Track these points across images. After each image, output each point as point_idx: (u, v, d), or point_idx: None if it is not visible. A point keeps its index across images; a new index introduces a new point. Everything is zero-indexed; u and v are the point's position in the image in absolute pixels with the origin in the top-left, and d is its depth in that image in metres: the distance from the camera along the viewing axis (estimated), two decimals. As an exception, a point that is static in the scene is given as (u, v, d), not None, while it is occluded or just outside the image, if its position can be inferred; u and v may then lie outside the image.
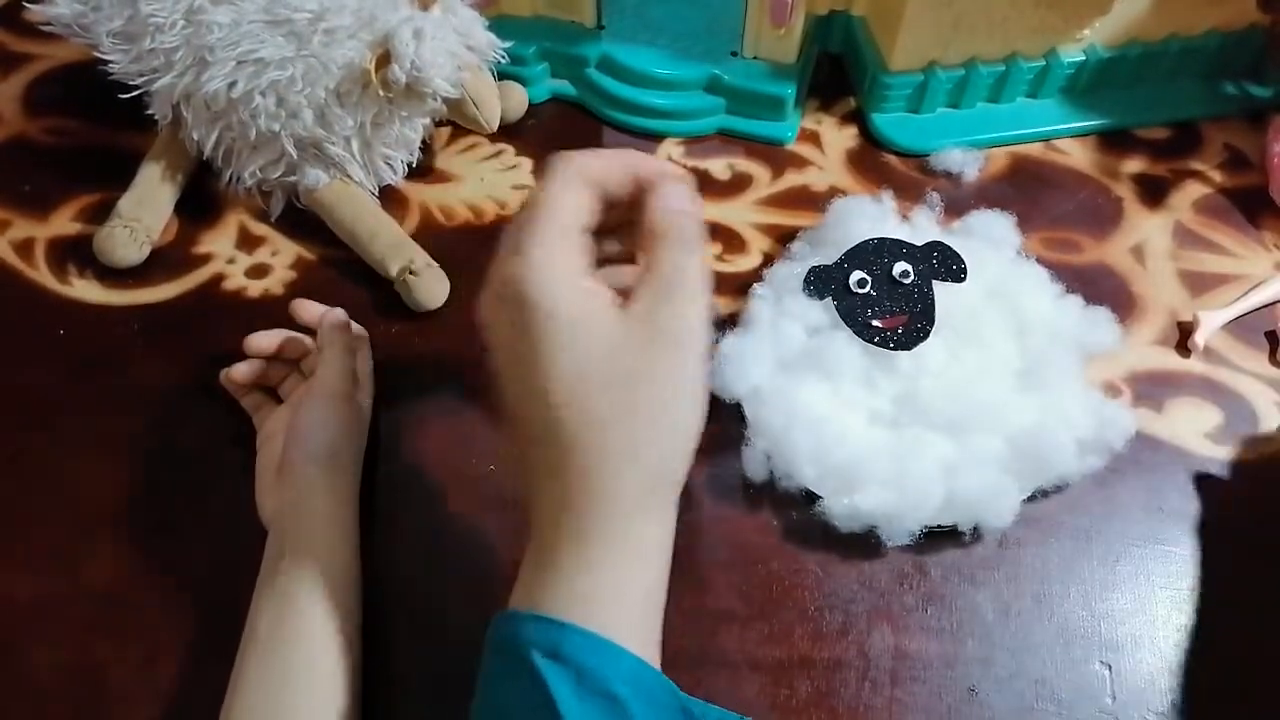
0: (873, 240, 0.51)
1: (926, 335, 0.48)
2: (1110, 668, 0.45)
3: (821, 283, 0.50)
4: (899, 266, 0.49)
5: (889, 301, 0.49)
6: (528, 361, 0.33)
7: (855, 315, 0.49)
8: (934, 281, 0.50)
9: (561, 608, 0.33)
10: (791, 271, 0.52)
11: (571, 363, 0.32)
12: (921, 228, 0.55)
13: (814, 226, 0.57)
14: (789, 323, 0.50)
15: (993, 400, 0.48)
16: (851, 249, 0.51)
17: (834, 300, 0.50)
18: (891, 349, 0.48)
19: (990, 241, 0.54)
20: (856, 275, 0.50)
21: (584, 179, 0.35)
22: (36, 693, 0.44)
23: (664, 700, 0.33)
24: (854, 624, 0.46)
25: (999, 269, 0.53)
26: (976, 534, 0.47)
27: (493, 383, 0.36)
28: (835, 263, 0.51)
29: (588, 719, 0.31)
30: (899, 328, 0.48)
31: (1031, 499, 0.48)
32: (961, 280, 0.50)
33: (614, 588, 0.33)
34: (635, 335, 0.33)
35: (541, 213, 0.34)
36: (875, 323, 0.49)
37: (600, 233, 0.37)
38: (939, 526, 0.46)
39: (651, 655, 0.34)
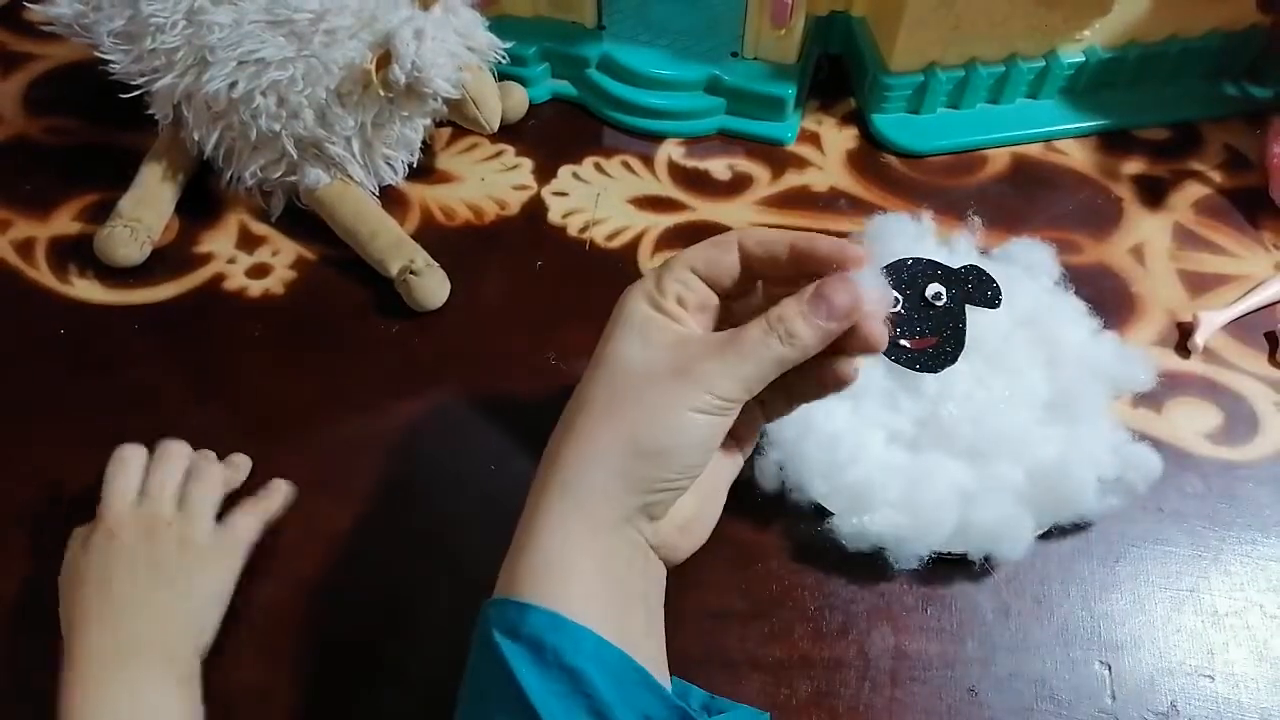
0: (908, 259, 0.50)
1: (954, 359, 0.47)
2: (1110, 668, 0.45)
3: None
4: (932, 288, 0.49)
5: (919, 322, 0.48)
6: (595, 356, 0.37)
7: None
8: (967, 306, 0.49)
9: (520, 586, 0.34)
10: None
11: (615, 353, 0.36)
12: (959, 250, 0.54)
13: (850, 240, 0.56)
14: None
15: (1016, 431, 0.47)
16: (885, 267, 0.50)
17: None
18: (917, 370, 0.48)
19: (1028, 269, 0.53)
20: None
21: (739, 238, 0.38)
22: (33, 691, 0.44)
23: (630, 676, 0.33)
24: (854, 624, 0.46)
25: (1035, 298, 0.52)
26: (987, 564, 0.47)
27: None
28: None
29: (549, 691, 0.32)
30: (927, 350, 0.48)
31: (1047, 534, 0.48)
32: (995, 306, 0.49)
33: (576, 565, 0.34)
34: (671, 357, 0.35)
35: (686, 252, 0.38)
36: (903, 342, 0.48)
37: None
38: (949, 554, 0.46)
39: (630, 646, 0.34)
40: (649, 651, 0.35)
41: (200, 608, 0.44)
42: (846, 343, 0.37)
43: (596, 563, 0.35)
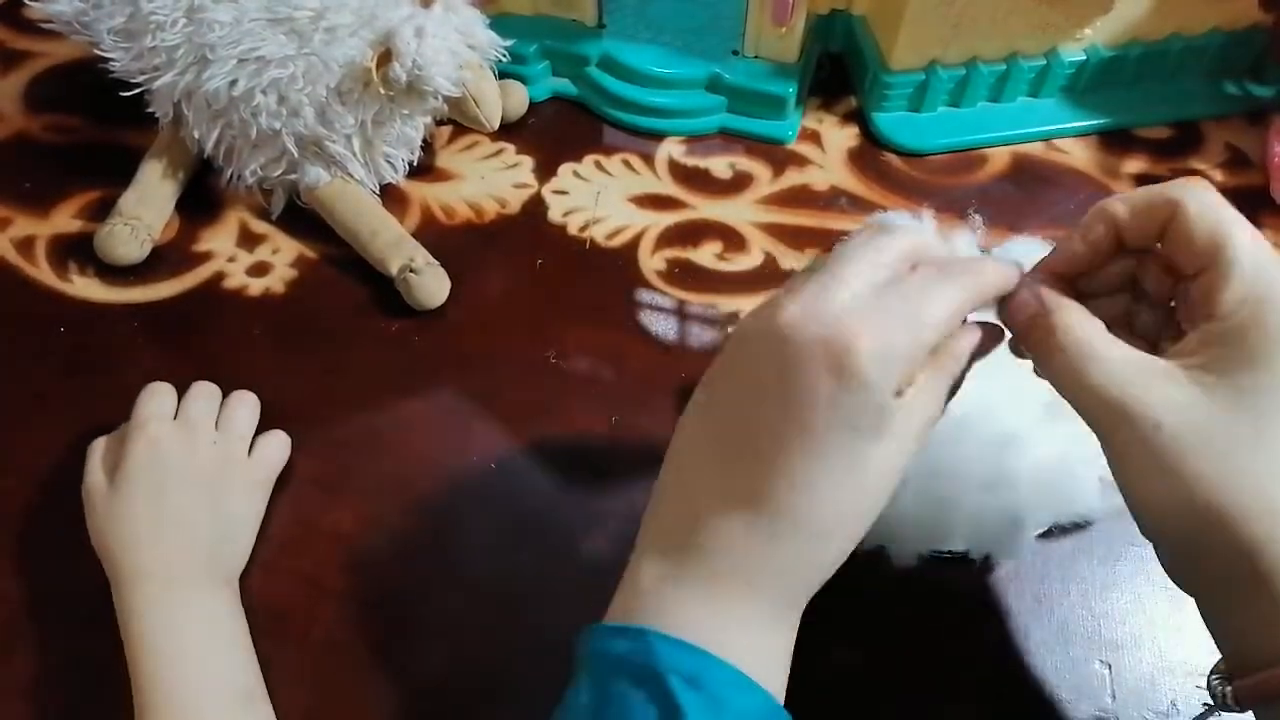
0: None
1: None
2: (1110, 667, 0.45)
3: None
4: None
5: None
6: (815, 432, 0.31)
7: None
8: None
9: (708, 638, 0.31)
10: None
11: (852, 462, 0.32)
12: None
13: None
14: None
15: (1016, 430, 0.47)
16: None
17: None
18: None
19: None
20: None
21: (971, 308, 0.34)
22: (31, 690, 0.44)
23: None
24: (854, 623, 0.46)
25: None
26: (987, 563, 0.47)
27: (728, 376, 0.34)
28: None
29: None
30: None
31: (1047, 534, 0.48)
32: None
33: (770, 647, 0.33)
34: (887, 452, 0.32)
35: (930, 324, 0.32)
36: None
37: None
38: (949, 553, 0.46)
39: None
40: None
41: (239, 528, 0.47)
42: None
43: (789, 641, 0.34)
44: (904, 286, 0.32)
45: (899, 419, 0.32)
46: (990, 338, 0.36)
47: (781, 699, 0.33)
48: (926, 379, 0.33)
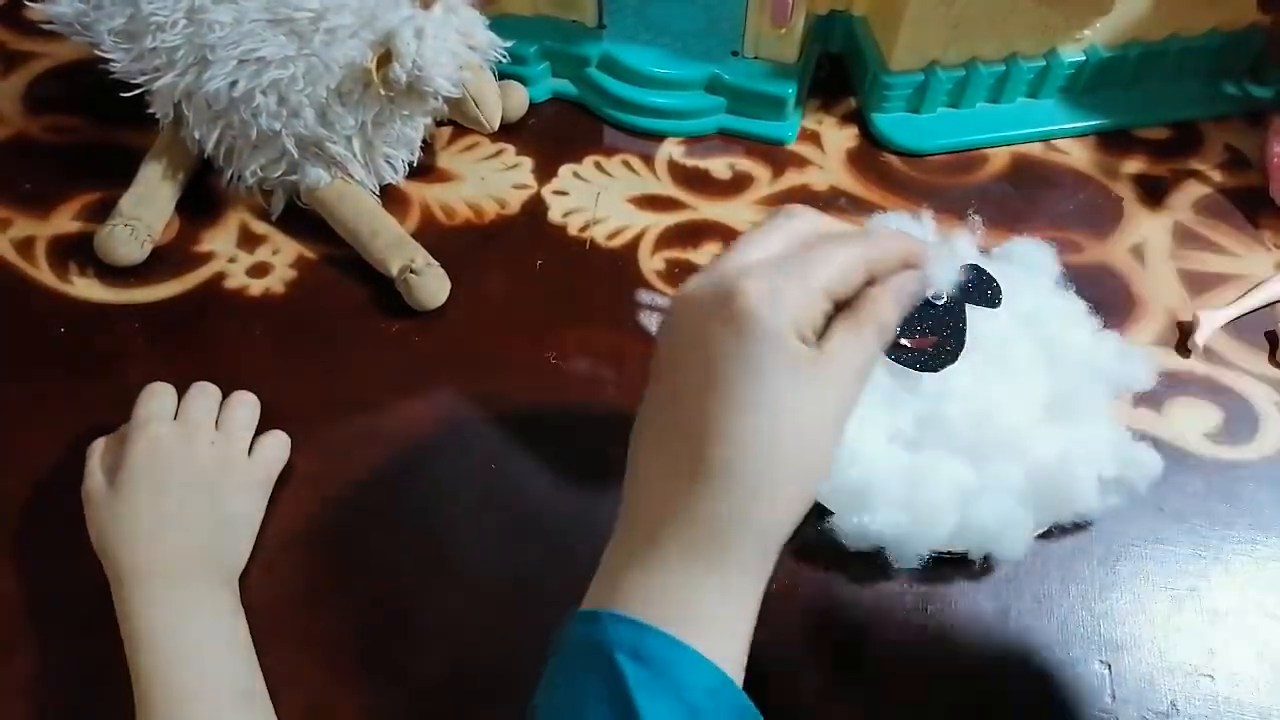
0: None
1: (955, 359, 0.48)
2: (1110, 668, 0.45)
3: None
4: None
5: (919, 322, 0.48)
6: (731, 380, 0.33)
7: None
8: (967, 305, 0.49)
9: (655, 612, 0.32)
10: None
11: (771, 402, 0.33)
12: (959, 249, 0.54)
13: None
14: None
15: (1016, 430, 0.47)
16: None
17: None
18: (918, 369, 0.48)
19: (1028, 268, 0.53)
20: None
21: (866, 265, 0.35)
22: (31, 690, 0.44)
23: None
24: (855, 623, 0.46)
25: (1035, 297, 0.51)
26: (987, 563, 0.47)
27: (660, 360, 0.36)
28: None
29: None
30: (927, 349, 0.48)
31: (1047, 534, 0.48)
32: (995, 306, 0.49)
33: (723, 616, 0.33)
34: (817, 395, 0.33)
35: (819, 271, 0.34)
36: (904, 341, 0.48)
37: None
38: (949, 553, 0.46)
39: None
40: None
41: (239, 528, 0.47)
42: None
43: (750, 611, 0.34)
44: (798, 252, 0.34)
45: (821, 366, 0.33)
46: (910, 291, 0.37)
47: (742, 663, 0.33)
48: (846, 328, 0.34)
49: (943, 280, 0.39)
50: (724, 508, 0.33)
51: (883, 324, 0.35)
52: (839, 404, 0.34)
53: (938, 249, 0.39)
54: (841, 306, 0.35)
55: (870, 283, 0.35)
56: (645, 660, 0.31)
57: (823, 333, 0.34)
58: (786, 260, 0.34)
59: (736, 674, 0.33)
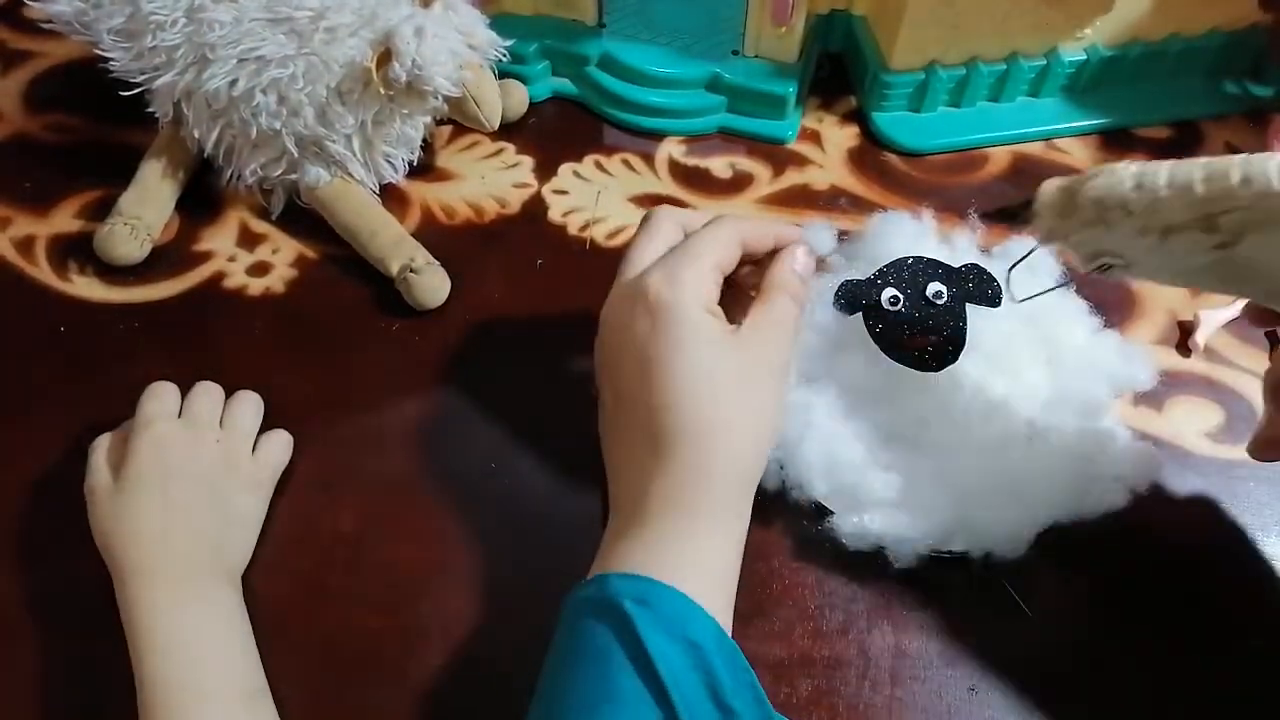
0: (909, 258, 0.50)
1: (955, 358, 0.47)
2: (1110, 667, 0.45)
3: (852, 297, 0.49)
4: (933, 286, 0.49)
5: (920, 321, 0.48)
6: (660, 360, 0.40)
7: (884, 332, 0.48)
8: (967, 304, 0.49)
9: (654, 570, 0.37)
10: (824, 284, 0.51)
11: (697, 365, 0.40)
12: (960, 248, 0.54)
13: (850, 239, 0.55)
14: (813, 334, 0.50)
15: (1016, 429, 0.47)
16: (886, 265, 0.50)
17: (864, 316, 0.49)
18: (918, 369, 0.48)
19: (1030, 268, 0.53)
20: (889, 292, 0.49)
21: (740, 237, 0.44)
22: (31, 690, 0.44)
23: (740, 664, 0.36)
24: (854, 622, 0.46)
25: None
26: (987, 563, 0.46)
27: (601, 371, 0.45)
28: (868, 278, 0.50)
29: (670, 654, 0.34)
30: (928, 348, 0.48)
31: (1046, 532, 0.47)
32: (996, 305, 0.49)
33: (705, 563, 0.39)
34: (743, 356, 0.41)
35: (702, 250, 0.42)
36: (904, 340, 0.48)
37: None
38: (949, 552, 0.46)
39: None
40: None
41: (243, 527, 0.47)
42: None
43: (727, 575, 0.40)
44: (680, 243, 0.43)
45: (744, 336, 0.41)
46: (799, 256, 0.46)
47: (730, 604, 0.39)
48: (759, 299, 0.43)
49: (823, 245, 0.47)
50: (687, 466, 0.39)
51: (783, 283, 0.44)
52: (766, 358, 0.42)
53: (809, 224, 0.47)
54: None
55: (760, 262, 0.45)
56: (650, 605, 0.35)
57: (721, 303, 0.43)
58: (673, 252, 0.43)
59: (725, 624, 0.38)
